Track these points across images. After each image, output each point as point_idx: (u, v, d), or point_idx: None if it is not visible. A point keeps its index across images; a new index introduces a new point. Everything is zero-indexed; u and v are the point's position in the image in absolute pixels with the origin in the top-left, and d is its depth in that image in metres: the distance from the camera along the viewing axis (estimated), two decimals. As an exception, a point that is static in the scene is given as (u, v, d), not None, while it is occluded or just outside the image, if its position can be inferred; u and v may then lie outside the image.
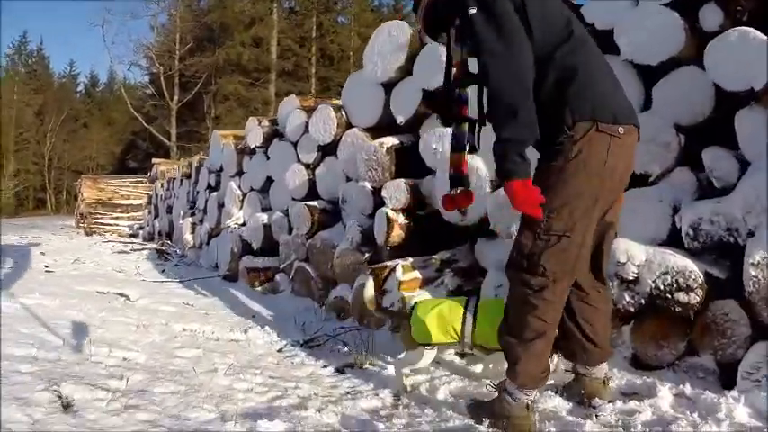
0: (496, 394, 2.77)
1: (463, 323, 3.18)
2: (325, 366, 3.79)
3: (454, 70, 2.88)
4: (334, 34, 36.32)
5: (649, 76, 3.57)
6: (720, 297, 3.09)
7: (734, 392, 2.87)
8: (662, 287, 3.12)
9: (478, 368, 3.51)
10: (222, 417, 2.83)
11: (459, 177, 2.91)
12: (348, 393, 3.28)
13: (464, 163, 2.90)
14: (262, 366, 3.78)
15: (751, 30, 3.20)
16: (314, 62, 36.00)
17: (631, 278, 3.20)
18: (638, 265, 3.19)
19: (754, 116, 3.18)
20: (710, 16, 3.40)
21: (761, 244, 2.94)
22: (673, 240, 3.31)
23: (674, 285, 3.09)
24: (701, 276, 3.06)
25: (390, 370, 3.55)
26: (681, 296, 3.08)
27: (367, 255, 4.87)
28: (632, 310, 3.23)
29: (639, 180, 3.48)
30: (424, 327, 3.23)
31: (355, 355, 3.83)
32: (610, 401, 2.92)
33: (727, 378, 3.03)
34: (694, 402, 2.89)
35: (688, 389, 2.99)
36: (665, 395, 2.96)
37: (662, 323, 3.21)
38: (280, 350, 4.21)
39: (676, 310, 3.10)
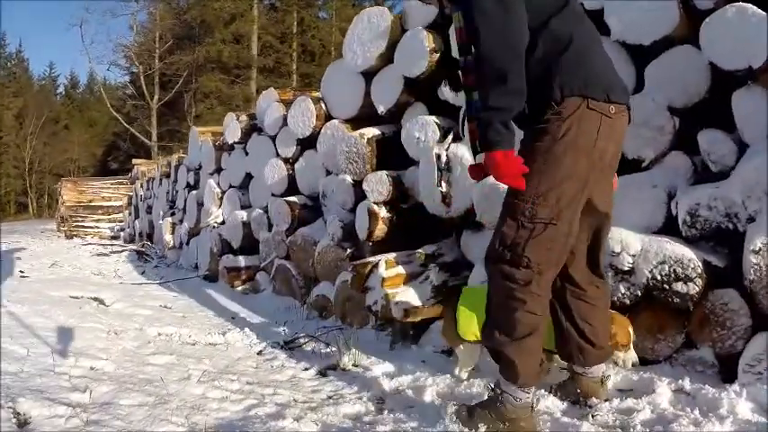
0: (487, 397, 2.58)
1: None
2: (306, 369, 3.61)
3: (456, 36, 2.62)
4: (316, 30, 36.01)
5: (641, 56, 3.40)
6: (719, 286, 2.93)
7: (735, 386, 2.72)
8: (659, 277, 2.95)
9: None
10: (192, 430, 2.64)
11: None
12: (330, 398, 3.11)
13: None
14: (239, 371, 3.59)
15: (749, 5, 3.03)
16: (295, 58, 35.71)
17: (627, 269, 3.02)
18: (633, 255, 3.01)
19: (753, 96, 3.02)
20: (702, -8, 3.25)
21: (762, 229, 2.78)
22: (668, 228, 3.14)
23: (672, 275, 2.92)
24: (701, 265, 2.89)
25: (375, 371, 3.41)
26: (679, 286, 2.91)
27: (349, 251, 4.70)
28: (628, 302, 3.05)
29: (632, 165, 3.32)
30: (472, 324, 3.04)
31: (338, 357, 3.65)
32: (606, 400, 2.76)
33: (727, 371, 2.87)
34: (694, 398, 2.74)
35: (687, 384, 2.84)
36: (663, 391, 2.80)
37: (658, 315, 3.04)
38: (259, 353, 4.03)
39: (674, 301, 2.93)
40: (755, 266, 2.76)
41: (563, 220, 2.38)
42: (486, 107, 2.28)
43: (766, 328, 2.80)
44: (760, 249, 2.74)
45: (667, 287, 2.93)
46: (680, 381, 2.87)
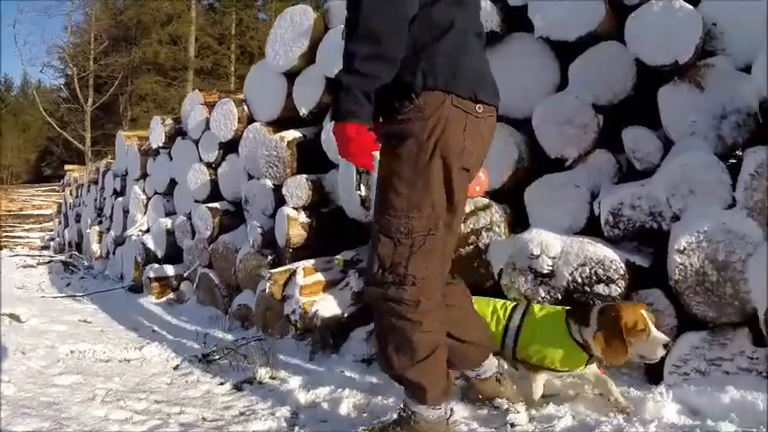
0: (397, 416, 2.41)
1: (504, 331, 2.76)
2: (221, 384, 3.42)
3: None
4: (255, 31, 35.46)
5: (567, 53, 3.30)
6: (644, 287, 2.87)
7: (661, 388, 2.67)
8: (580, 280, 2.86)
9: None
10: (83, 459, 2.43)
11: None
12: (242, 414, 2.92)
13: None
14: (151, 389, 3.38)
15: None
16: (234, 60, 35.20)
17: (546, 271, 2.93)
18: (553, 258, 2.92)
19: (679, 92, 2.96)
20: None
21: (686, 228, 2.71)
22: (592, 229, 3.06)
23: (594, 277, 2.83)
24: (623, 266, 2.80)
25: (292, 383, 3.25)
26: (601, 288, 2.83)
27: (270, 258, 4.52)
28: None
29: (555, 165, 3.22)
30: None
31: (255, 369, 3.47)
32: (526, 408, 2.63)
33: (653, 373, 2.81)
34: (618, 400, 2.65)
35: (612, 386, 2.72)
36: (586, 396, 2.75)
37: (583, 318, 2.95)
38: (176, 367, 3.82)
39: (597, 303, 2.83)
40: (680, 266, 2.69)
41: (440, 228, 2.21)
42: (349, 69, 2.00)
43: (692, 328, 2.75)
44: (684, 249, 2.68)
45: (589, 289, 2.85)
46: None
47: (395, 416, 2.44)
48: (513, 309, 2.79)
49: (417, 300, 2.20)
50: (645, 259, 2.90)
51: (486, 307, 2.83)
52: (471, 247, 3.26)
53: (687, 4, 2.93)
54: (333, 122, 2.06)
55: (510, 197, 3.34)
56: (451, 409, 2.44)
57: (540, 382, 2.72)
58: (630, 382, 2.80)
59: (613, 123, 3.16)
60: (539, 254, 2.93)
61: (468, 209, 3.22)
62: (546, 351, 2.63)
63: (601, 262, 2.83)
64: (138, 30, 34.42)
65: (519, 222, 3.28)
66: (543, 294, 2.96)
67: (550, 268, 2.92)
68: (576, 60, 3.25)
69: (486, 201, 3.25)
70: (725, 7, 2.98)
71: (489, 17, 3.43)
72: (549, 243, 2.94)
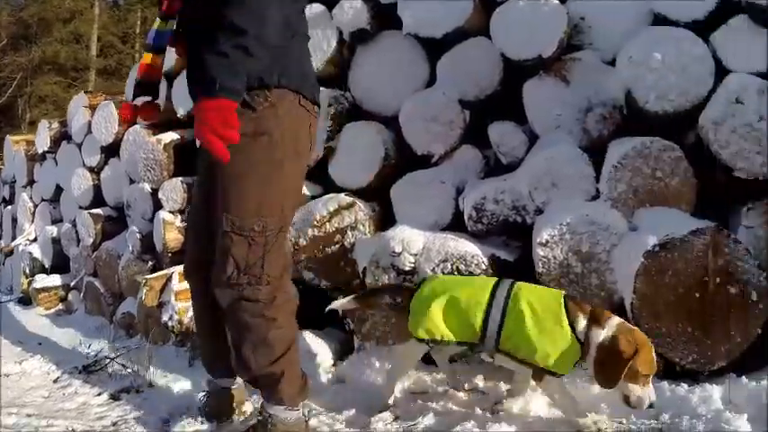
0: (256, 420, 2.38)
1: (486, 315, 2.36)
2: (99, 394, 3.31)
3: None
4: (161, 29, 34.73)
5: (438, 50, 3.33)
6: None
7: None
8: (442, 276, 2.88)
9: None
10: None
11: (149, 84, 2.38)
12: (114, 425, 2.84)
13: (160, 68, 2.36)
14: (25, 403, 3.25)
15: None
16: (137, 59, 34.28)
17: (408, 269, 2.94)
18: (415, 254, 2.93)
19: (544, 86, 3.03)
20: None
21: (549, 221, 2.77)
22: (459, 224, 3.09)
23: (455, 273, 2.85)
24: (485, 261, 2.84)
25: (170, 390, 3.20)
26: (481, 285, 2.85)
27: (150, 263, 4.41)
28: (412, 303, 2.97)
29: (422, 162, 3.25)
30: (428, 313, 2.40)
31: (134, 378, 3.40)
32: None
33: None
34: (487, 396, 2.70)
35: (481, 382, 2.81)
36: (455, 392, 2.76)
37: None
38: (55, 380, 3.68)
39: (459, 299, 2.87)
40: (543, 259, 2.74)
41: (288, 224, 2.30)
42: (236, 45, 1.90)
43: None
44: (547, 241, 2.73)
45: (452, 285, 2.87)
46: (474, 379, 2.83)
47: (253, 421, 2.43)
48: (496, 286, 2.40)
49: (273, 297, 2.21)
50: (511, 253, 2.95)
51: (457, 284, 2.48)
52: (337, 246, 3.25)
53: (555, -1, 2.99)
54: (208, 96, 1.91)
55: (378, 195, 3.34)
56: (309, 411, 2.44)
57: (526, 378, 2.47)
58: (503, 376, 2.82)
59: (481, 119, 3.20)
60: (400, 251, 2.93)
61: (332, 208, 3.22)
62: (541, 345, 2.25)
63: (462, 257, 2.85)
64: (40, 28, 33.04)
65: (388, 220, 3.29)
66: (406, 292, 2.96)
67: (412, 265, 2.93)
68: (443, 57, 3.27)
69: (349, 199, 3.24)
70: (593, 2, 3.06)
71: (360, 15, 3.43)
72: (410, 240, 2.95)
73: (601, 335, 2.20)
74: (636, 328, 2.28)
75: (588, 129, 2.95)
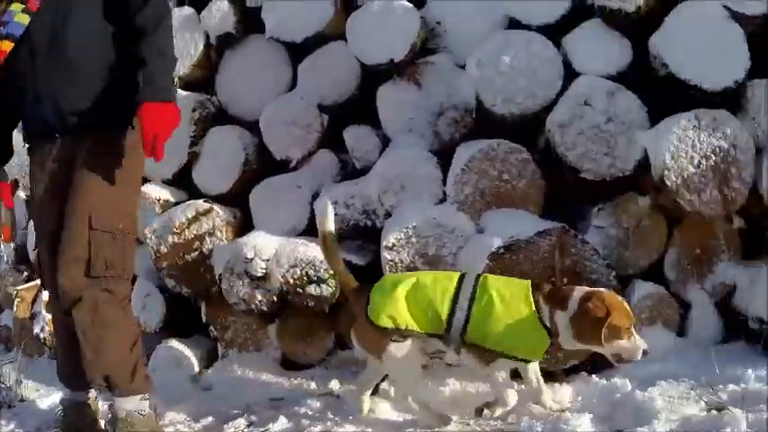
0: (110, 417, 2.38)
1: (452, 307, 2.23)
2: (-30, 412, 3.20)
3: None
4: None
5: (302, 54, 3.30)
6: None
7: (384, 384, 2.64)
8: (292, 281, 2.86)
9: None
10: None
11: None
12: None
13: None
14: None
15: None
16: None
17: (260, 275, 2.90)
18: (266, 260, 2.90)
19: (397, 90, 3.01)
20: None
21: (396, 224, 2.75)
22: (315, 229, 3.04)
23: (305, 278, 2.84)
24: (335, 266, 2.81)
25: (42, 404, 3.08)
26: (312, 289, 2.84)
27: (26, 273, 4.28)
28: (265, 309, 2.94)
29: (283, 166, 3.21)
30: (390, 301, 2.25)
31: (5, 393, 3.27)
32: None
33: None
34: (342, 400, 2.67)
35: (336, 386, 2.79)
36: (311, 396, 2.73)
37: (307, 319, 2.97)
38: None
39: (310, 304, 2.85)
40: (390, 262, 2.72)
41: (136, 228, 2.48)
42: (172, 56, 2.25)
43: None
44: (394, 245, 2.71)
45: (301, 290, 2.85)
46: (329, 384, 2.80)
47: (106, 421, 2.48)
48: (461, 279, 2.29)
49: (128, 292, 2.40)
50: (363, 257, 2.91)
51: (426, 277, 2.35)
52: (196, 252, 3.19)
53: (407, 3, 2.99)
54: (157, 100, 2.15)
55: (240, 201, 3.29)
56: (155, 407, 2.41)
57: (498, 375, 2.29)
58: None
59: (340, 123, 3.17)
60: (252, 257, 2.90)
61: (190, 214, 3.17)
62: (509, 334, 2.19)
63: (311, 262, 2.83)
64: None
65: (250, 226, 3.24)
66: (260, 298, 2.93)
67: (264, 271, 2.89)
68: (304, 61, 3.24)
69: (207, 206, 3.19)
70: (449, 6, 3.06)
71: (226, 18, 3.38)
72: (262, 246, 2.92)
73: (565, 314, 2.18)
74: (601, 289, 2.26)
75: (440, 132, 2.94)
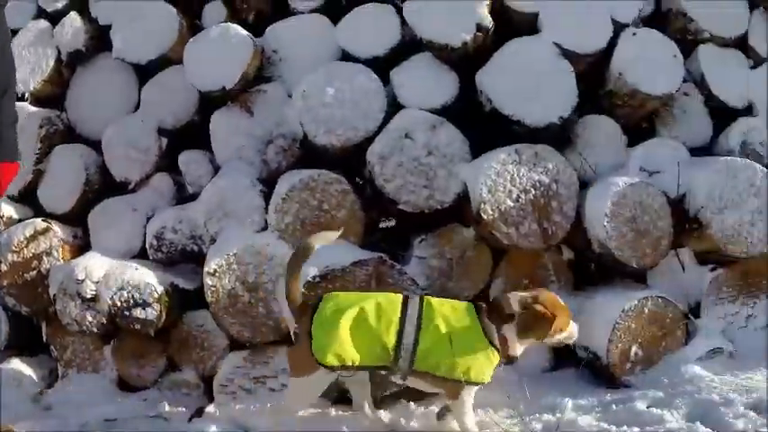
0: None
1: (399, 334, 2.20)
2: None
3: None
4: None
5: (149, 76, 3.33)
6: (195, 308, 2.97)
7: (211, 407, 2.77)
8: (119, 304, 2.91)
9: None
10: None
11: None
12: None
13: None
14: None
15: (232, 26, 3.09)
16: None
17: (90, 296, 2.94)
18: (96, 282, 2.94)
19: (230, 117, 3.07)
20: (212, 14, 3.28)
21: (218, 251, 2.83)
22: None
23: (132, 301, 2.89)
24: (159, 290, 2.88)
25: None
26: (138, 312, 2.89)
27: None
28: (96, 330, 2.99)
29: (120, 188, 3.26)
30: (333, 335, 2.17)
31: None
32: None
33: (212, 392, 2.88)
34: (169, 423, 2.74)
35: (166, 408, 2.83)
36: (142, 418, 2.78)
37: (139, 340, 3.01)
38: None
39: (136, 327, 2.90)
40: (212, 288, 2.79)
41: None
42: (16, 117, 2.34)
43: (236, 348, 2.87)
44: (215, 271, 2.78)
45: (128, 313, 2.90)
46: (159, 406, 2.85)
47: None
48: (405, 303, 2.25)
49: None
50: (191, 282, 2.99)
51: (363, 301, 2.26)
52: (35, 272, 3.21)
53: (243, 31, 3.05)
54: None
55: (83, 220, 3.30)
56: None
57: (470, 403, 2.29)
58: (189, 401, 2.90)
59: (180, 147, 3.22)
60: (83, 278, 2.94)
61: (28, 233, 3.18)
62: (460, 360, 2.18)
63: (137, 286, 2.89)
64: None
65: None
66: (90, 319, 2.97)
67: (94, 293, 2.94)
68: (147, 84, 3.29)
69: (45, 225, 3.21)
70: (287, 35, 3.14)
71: (78, 35, 3.41)
72: (93, 267, 2.97)
73: (513, 326, 2.26)
74: (534, 292, 2.37)
75: (268, 160, 3.02)
